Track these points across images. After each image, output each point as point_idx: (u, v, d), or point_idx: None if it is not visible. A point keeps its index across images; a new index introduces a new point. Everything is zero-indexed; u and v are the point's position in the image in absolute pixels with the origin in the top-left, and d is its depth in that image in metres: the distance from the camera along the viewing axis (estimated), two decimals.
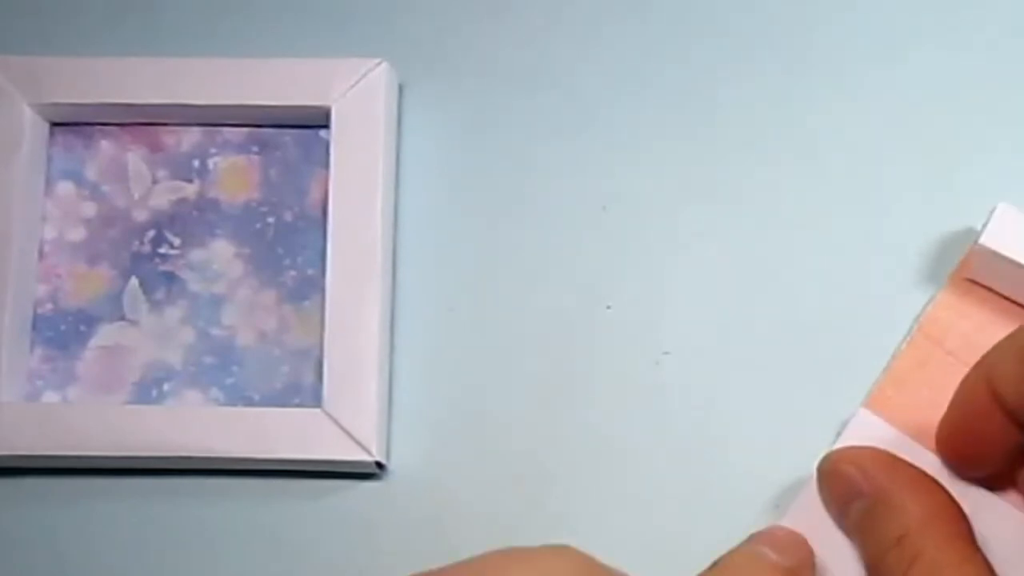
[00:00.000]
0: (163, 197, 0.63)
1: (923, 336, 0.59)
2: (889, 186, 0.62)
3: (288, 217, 0.63)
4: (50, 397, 0.61)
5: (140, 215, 0.63)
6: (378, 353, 0.59)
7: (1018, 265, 0.56)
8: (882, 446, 0.56)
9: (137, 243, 0.63)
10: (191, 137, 0.64)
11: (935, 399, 0.55)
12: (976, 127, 0.62)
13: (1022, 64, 0.63)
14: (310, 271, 0.62)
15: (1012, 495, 0.56)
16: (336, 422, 0.59)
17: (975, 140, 0.62)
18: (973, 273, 0.58)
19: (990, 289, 0.59)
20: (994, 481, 0.56)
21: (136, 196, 0.63)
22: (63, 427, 0.59)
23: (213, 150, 0.63)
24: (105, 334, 0.62)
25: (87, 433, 0.59)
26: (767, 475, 0.59)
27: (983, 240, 0.56)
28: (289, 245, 0.62)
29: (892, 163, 0.62)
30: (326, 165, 0.62)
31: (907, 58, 0.63)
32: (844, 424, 0.58)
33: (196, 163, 0.63)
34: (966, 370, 0.53)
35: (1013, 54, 0.63)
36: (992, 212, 0.56)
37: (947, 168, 0.62)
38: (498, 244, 0.62)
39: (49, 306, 0.62)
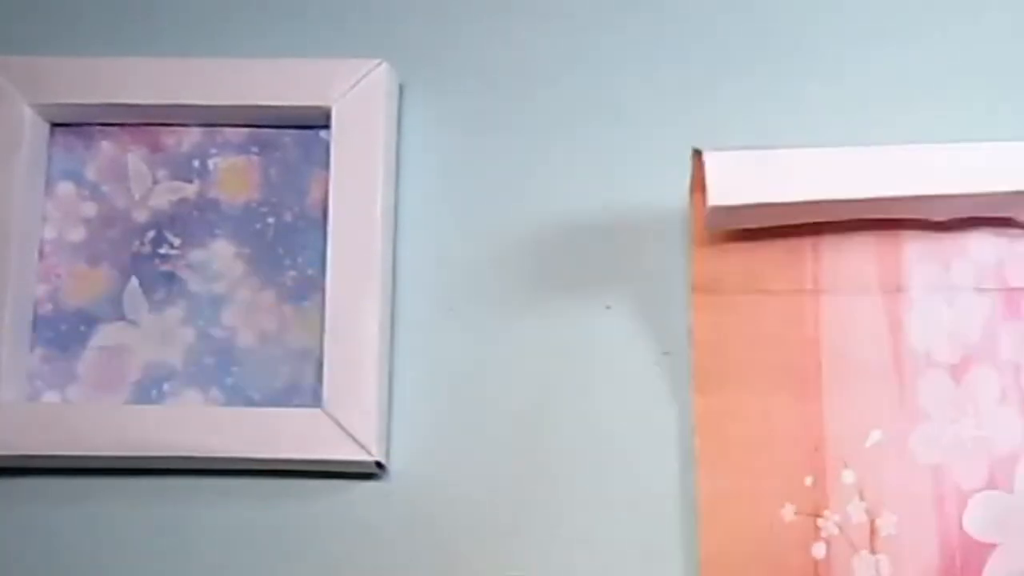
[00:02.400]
0: (163, 197, 0.63)
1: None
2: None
3: (288, 217, 0.63)
4: (50, 397, 0.61)
5: (140, 215, 0.63)
6: (378, 353, 0.59)
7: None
8: None
9: (137, 243, 0.63)
10: (191, 137, 0.64)
11: None
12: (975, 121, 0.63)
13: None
14: (310, 271, 0.62)
15: None
16: (336, 422, 0.59)
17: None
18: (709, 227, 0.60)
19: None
20: None
21: (136, 196, 0.63)
22: (63, 427, 0.59)
23: (213, 150, 0.63)
24: (105, 334, 0.62)
25: (87, 433, 0.59)
26: None
27: (713, 200, 0.56)
28: (289, 245, 0.62)
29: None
30: (326, 165, 0.61)
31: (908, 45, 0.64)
32: None
33: (196, 163, 0.63)
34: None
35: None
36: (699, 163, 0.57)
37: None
38: (498, 244, 0.62)
39: (49, 306, 0.62)
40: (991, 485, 0.58)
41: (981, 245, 0.60)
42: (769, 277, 0.59)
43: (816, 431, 0.59)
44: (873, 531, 0.58)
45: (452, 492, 0.60)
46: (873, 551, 0.58)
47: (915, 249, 0.60)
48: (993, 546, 0.58)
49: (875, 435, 0.58)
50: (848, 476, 0.58)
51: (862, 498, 0.58)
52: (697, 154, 0.56)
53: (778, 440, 0.59)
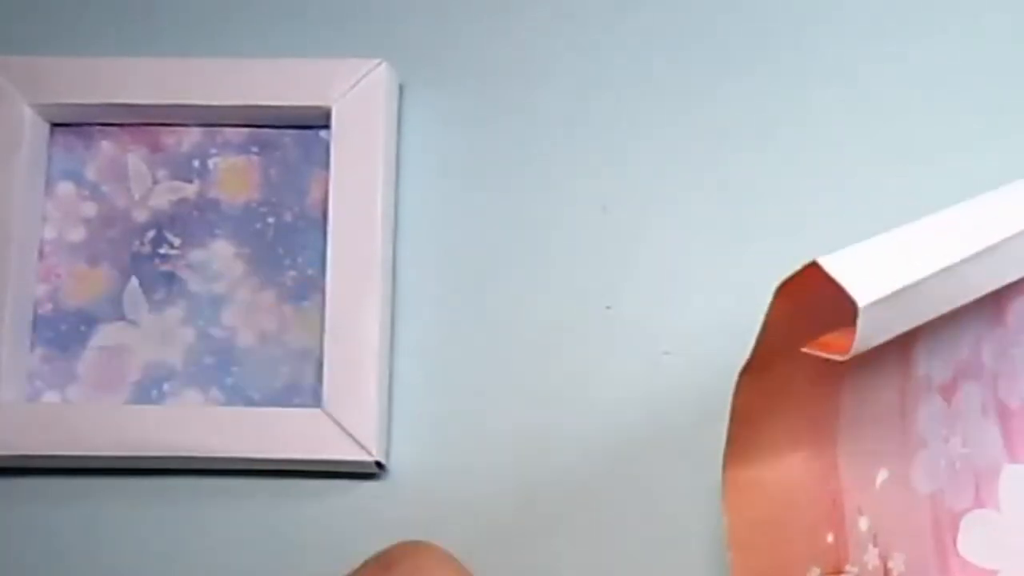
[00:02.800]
0: (163, 197, 0.63)
1: None
2: (893, 186, 0.62)
3: (288, 217, 0.63)
4: (50, 397, 0.61)
5: (140, 215, 0.63)
6: (378, 353, 0.59)
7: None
8: None
9: (137, 243, 0.63)
10: (191, 137, 0.64)
11: None
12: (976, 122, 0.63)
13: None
14: (310, 271, 0.62)
15: None
16: (336, 422, 0.59)
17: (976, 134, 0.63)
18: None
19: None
20: None
21: (136, 196, 0.63)
22: (63, 427, 0.59)
23: (213, 150, 0.63)
24: (105, 334, 0.62)
25: (87, 433, 0.59)
26: None
27: (862, 304, 0.46)
28: (289, 245, 0.62)
29: (893, 163, 0.62)
30: (326, 165, 0.62)
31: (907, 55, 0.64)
32: None
33: (196, 163, 0.63)
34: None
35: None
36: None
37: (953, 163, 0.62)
38: (498, 244, 0.62)
39: (49, 306, 0.62)
40: (978, 503, 0.55)
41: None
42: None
43: (833, 483, 0.55)
44: (886, 573, 0.55)
45: (452, 492, 0.60)
46: None
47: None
48: (995, 573, 0.55)
49: (883, 474, 0.55)
50: (863, 523, 0.55)
51: (875, 544, 0.55)
52: (810, 266, 0.47)
53: (801, 502, 0.55)
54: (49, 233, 0.63)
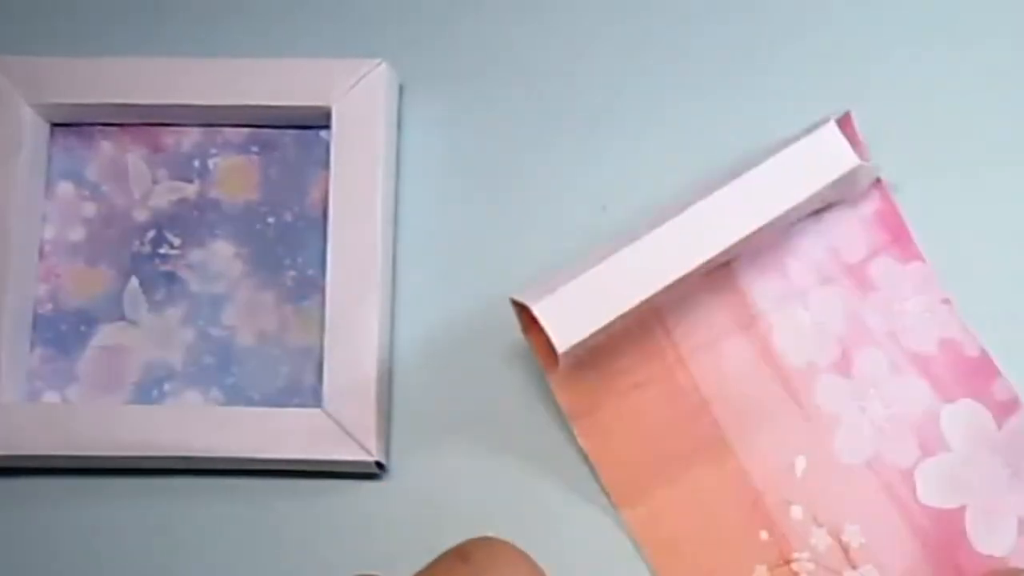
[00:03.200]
0: (163, 197, 0.63)
1: None
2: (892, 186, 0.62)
3: (288, 217, 0.63)
4: (50, 397, 0.61)
5: (140, 215, 0.63)
6: (378, 353, 0.59)
7: None
8: None
9: (137, 243, 0.63)
10: (191, 137, 0.64)
11: None
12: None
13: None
14: (310, 271, 0.62)
15: None
16: (336, 422, 0.59)
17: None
18: None
19: None
20: None
21: (136, 196, 0.63)
22: (63, 427, 0.59)
23: (213, 150, 0.63)
24: (105, 334, 0.62)
25: (87, 433, 0.59)
26: None
27: (562, 347, 0.55)
28: (289, 245, 0.62)
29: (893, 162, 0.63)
30: (326, 165, 0.62)
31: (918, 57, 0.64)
32: None
33: (196, 163, 0.63)
34: None
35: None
36: None
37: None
38: (498, 244, 0.62)
39: (49, 306, 0.62)
40: (927, 453, 0.58)
41: (807, 239, 0.60)
42: (632, 370, 0.59)
43: (746, 487, 0.58)
44: (845, 549, 0.57)
45: (452, 492, 0.60)
46: (854, 567, 0.57)
47: (749, 274, 0.60)
48: (962, 508, 0.58)
49: (801, 462, 0.58)
50: (796, 511, 0.58)
51: (819, 524, 0.57)
52: (518, 305, 0.56)
53: (718, 513, 0.58)
54: (49, 233, 0.63)
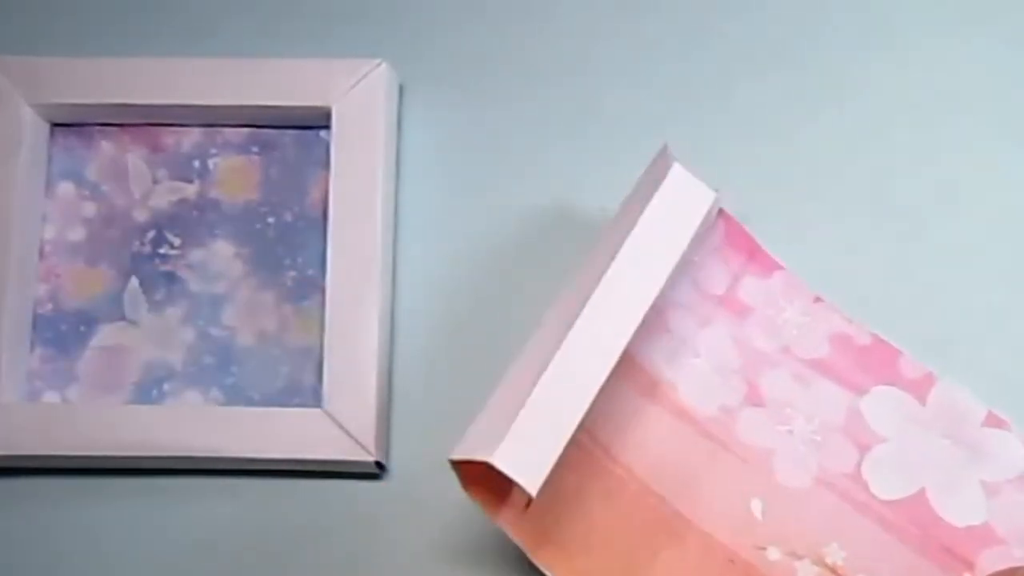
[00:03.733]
0: (163, 197, 0.63)
1: None
2: (896, 188, 0.62)
3: (288, 217, 0.63)
4: (50, 397, 0.61)
5: (140, 215, 0.63)
6: (378, 353, 0.59)
7: None
8: None
9: (137, 243, 0.63)
10: (191, 137, 0.64)
11: None
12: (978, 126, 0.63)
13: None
14: (310, 271, 0.62)
15: None
16: (336, 422, 0.59)
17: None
18: None
19: None
20: None
21: (136, 196, 0.63)
22: (63, 427, 0.59)
23: (213, 150, 0.63)
24: (105, 334, 0.62)
25: (87, 433, 0.59)
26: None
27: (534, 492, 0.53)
28: (289, 245, 0.62)
29: (894, 163, 0.63)
30: (326, 165, 0.62)
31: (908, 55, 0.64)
32: None
33: (196, 163, 0.63)
34: None
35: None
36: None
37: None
38: (498, 244, 0.62)
39: (49, 306, 0.62)
40: (864, 449, 0.58)
41: (673, 287, 0.60)
42: (567, 483, 0.58)
43: (715, 549, 0.57)
44: (833, 569, 0.57)
45: (452, 492, 0.60)
46: None
47: (634, 342, 0.58)
48: (922, 491, 0.57)
49: (756, 504, 0.58)
50: (773, 553, 0.57)
51: (799, 556, 0.57)
52: (458, 463, 0.54)
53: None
54: (49, 233, 0.63)
